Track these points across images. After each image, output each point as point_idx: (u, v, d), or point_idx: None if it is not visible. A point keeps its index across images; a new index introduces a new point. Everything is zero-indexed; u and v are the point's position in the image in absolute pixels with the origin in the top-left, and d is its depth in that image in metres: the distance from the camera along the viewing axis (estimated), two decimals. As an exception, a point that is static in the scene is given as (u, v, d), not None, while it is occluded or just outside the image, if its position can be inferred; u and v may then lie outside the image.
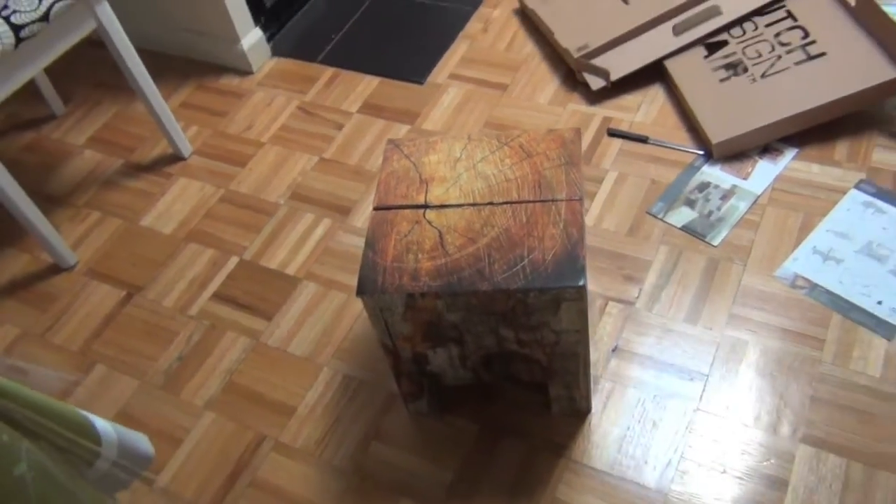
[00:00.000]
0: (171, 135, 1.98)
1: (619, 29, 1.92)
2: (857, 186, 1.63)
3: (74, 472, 0.80)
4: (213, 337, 1.63)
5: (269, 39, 2.26)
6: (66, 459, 0.79)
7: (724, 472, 1.30)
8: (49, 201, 1.99)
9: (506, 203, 1.26)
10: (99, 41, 1.77)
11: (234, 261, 1.77)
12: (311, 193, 1.87)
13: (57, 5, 1.57)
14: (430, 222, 1.25)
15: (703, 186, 1.69)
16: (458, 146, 1.36)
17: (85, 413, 0.83)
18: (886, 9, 1.69)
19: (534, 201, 1.25)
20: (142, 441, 0.89)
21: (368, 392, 1.50)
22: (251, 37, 2.20)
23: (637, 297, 1.55)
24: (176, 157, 2.03)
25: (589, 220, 1.68)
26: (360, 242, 1.74)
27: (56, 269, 1.84)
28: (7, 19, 1.51)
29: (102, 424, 0.84)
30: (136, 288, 1.76)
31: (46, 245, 1.78)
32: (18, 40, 1.53)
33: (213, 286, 1.73)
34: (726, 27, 1.90)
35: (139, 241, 1.86)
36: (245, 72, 2.23)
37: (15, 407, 0.72)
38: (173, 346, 1.64)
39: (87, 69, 2.34)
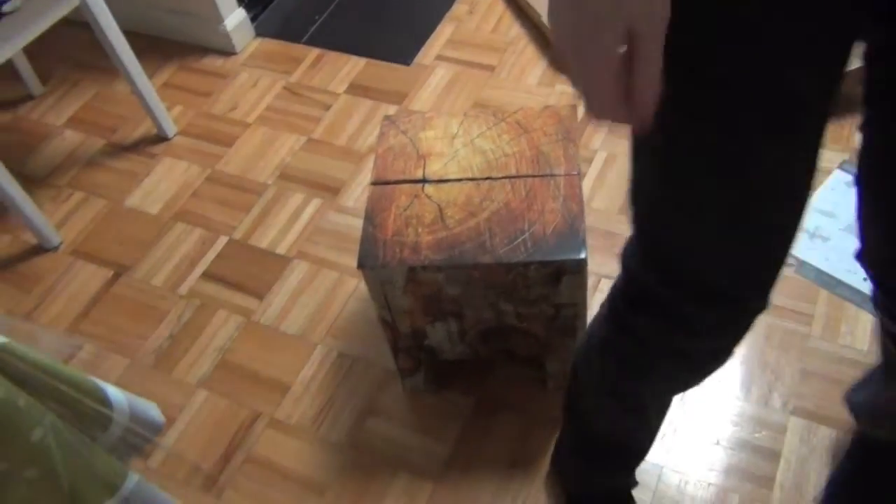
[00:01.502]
0: (156, 115, 1.95)
1: (606, 11, 1.93)
2: (840, 167, 1.67)
3: (87, 437, 0.79)
4: (204, 315, 1.62)
5: (252, 20, 2.24)
6: (80, 424, 0.78)
7: (717, 443, 1.33)
8: (29, 182, 1.95)
9: (505, 178, 1.26)
10: (76, 20, 1.74)
11: (223, 240, 1.75)
12: (299, 174, 1.86)
13: (42, -22, 1.54)
14: (429, 197, 1.26)
15: (692, 166, 1.71)
16: (454, 122, 1.36)
17: (94, 379, 0.82)
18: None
19: (533, 176, 1.26)
20: (151, 408, 0.89)
21: (363, 369, 1.50)
22: (234, 17, 2.17)
23: (629, 275, 1.56)
24: (160, 138, 2.01)
25: (579, 199, 1.69)
26: (351, 221, 1.74)
27: (39, 249, 1.80)
28: (-9, -9, 1.48)
29: (112, 390, 0.83)
30: (123, 268, 1.74)
31: (30, 225, 1.75)
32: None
33: (202, 265, 1.71)
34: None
35: (125, 221, 1.83)
36: (228, 52, 2.21)
37: (31, 370, 0.71)
38: (164, 324, 1.62)
39: (65, 49, 2.30)
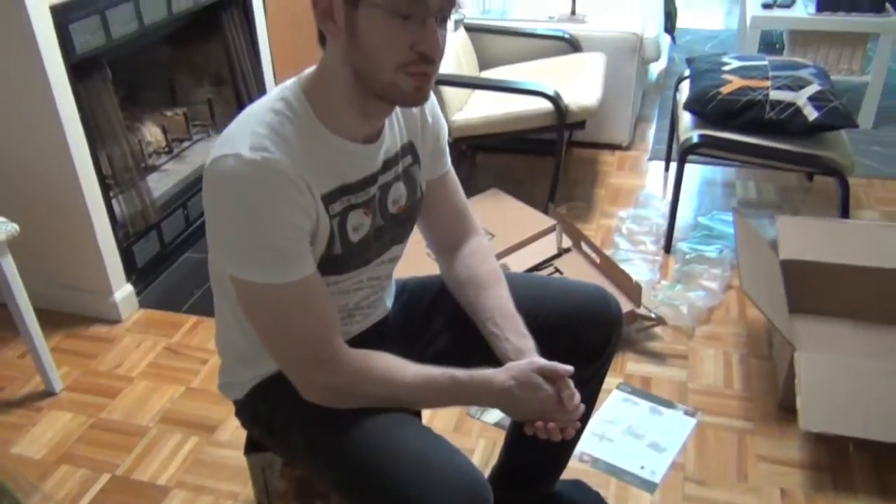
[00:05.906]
0: (46, 372, 2.19)
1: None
2: (618, 387, 2.17)
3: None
4: (87, 543, 1.77)
5: (137, 294, 2.60)
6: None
7: None
8: (-88, 438, 2.08)
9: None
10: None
11: (105, 477, 1.94)
12: (179, 417, 2.13)
13: (-29, 254, 1.87)
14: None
15: (508, 393, 2.15)
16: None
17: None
18: (684, 245, 2.36)
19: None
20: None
21: (238, 576, 1.69)
22: (122, 291, 2.53)
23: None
24: (47, 393, 2.23)
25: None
26: (227, 453, 2.00)
27: (-81, 498, 1.90)
28: (-72, 263, 1.78)
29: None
30: (6, 508, 1.87)
31: (-85, 472, 1.88)
32: (-66, 281, 1.79)
33: (84, 500, 1.88)
34: (514, 279, 2.50)
35: (10, 467, 1.98)
36: (114, 321, 2.52)
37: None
38: (46, 555, 1.75)
39: (-45, 322, 2.52)
